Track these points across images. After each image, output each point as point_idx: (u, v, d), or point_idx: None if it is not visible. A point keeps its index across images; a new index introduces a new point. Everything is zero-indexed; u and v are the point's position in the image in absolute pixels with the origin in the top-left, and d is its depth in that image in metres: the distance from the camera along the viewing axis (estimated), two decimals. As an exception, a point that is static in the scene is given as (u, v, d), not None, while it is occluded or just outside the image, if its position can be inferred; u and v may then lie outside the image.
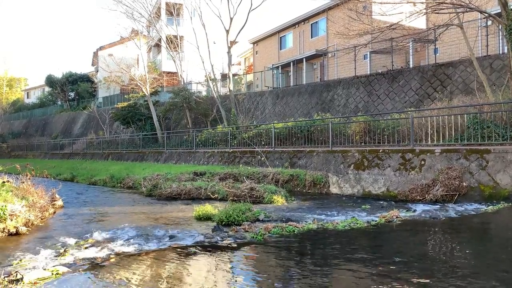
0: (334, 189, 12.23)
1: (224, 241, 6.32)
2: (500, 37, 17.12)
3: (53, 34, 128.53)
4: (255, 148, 16.78)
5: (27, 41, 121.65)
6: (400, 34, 16.26)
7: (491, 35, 17.27)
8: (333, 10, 26.54)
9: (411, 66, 20.89)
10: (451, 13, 13.68)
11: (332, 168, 12.68)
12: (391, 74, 19.65)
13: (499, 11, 12.95)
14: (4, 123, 59.08)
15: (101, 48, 47.29)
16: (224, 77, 35.87)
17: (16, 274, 4.70)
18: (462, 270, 4.66)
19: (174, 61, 30.56)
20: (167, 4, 35.65)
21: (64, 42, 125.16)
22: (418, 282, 4.28)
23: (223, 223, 7.61)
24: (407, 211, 8.56)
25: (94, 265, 5.25)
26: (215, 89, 27.37)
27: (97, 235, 6.85)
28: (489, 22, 16.86)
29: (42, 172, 12.48)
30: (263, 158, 15.48)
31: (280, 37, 33.30)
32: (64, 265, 5.20)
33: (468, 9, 12.52)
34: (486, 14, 12.81)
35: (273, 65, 31.55)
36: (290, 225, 7.16)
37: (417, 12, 12.83)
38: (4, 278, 4.61)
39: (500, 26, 13.10)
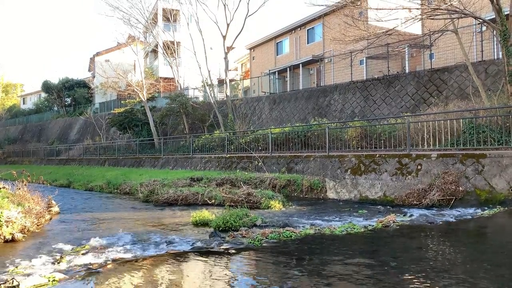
0: (331, 194, 12.24)
1: (221, 247, 6.30)
2: (495, 43, 17.29)
3: (50, 39, 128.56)
4: (252, 153, 16.78)
5: (23, 47, 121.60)
6: (396, 40, 16.41)
7: (485, 40, 17.43)
8: (329, 16, 26.71)
9: (407, 71, 21.02)
10: (446, 19, 13.80)
11: (329, 173, 12.70)
12: (387, 79, 19.76)
13: (494, 17, 13.09)
14: (-1, 129, 58.88)
15: (97, 53, 47.27)
16: (221, 82, 35.93)
17: (13, 281, 4.67)
18: (459, 274, 4.67)
19: (171, 67, 30.60)
20: (164, 10, 35.76)
21: (60, 48, 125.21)
22: (415, 286, 4.29)
23: (220, 228, 7.60)
24: (404, 215, 8.58)
25: (91, 272, 5.23)
26: (212, 95, 27.41)
27: (94, 241, 6.81)
28: (484, 28, 17.03)
29: (38, 178, 12.41)
30: (260, 164, 15.48)
31: (277, 43, 33.44)
32: (61, 271, 5.17)
33: (462, 15, 12.64)
34: (481, 20, 12.95)
35: (269, 70, 31.64)
36: (287, 230, 7.16)
37: (413, 18, 12.93)
38: (0, 285, 4.58)
39: (494, 31, 13.22)
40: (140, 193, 13.65)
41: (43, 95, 57.31)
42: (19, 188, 9.33)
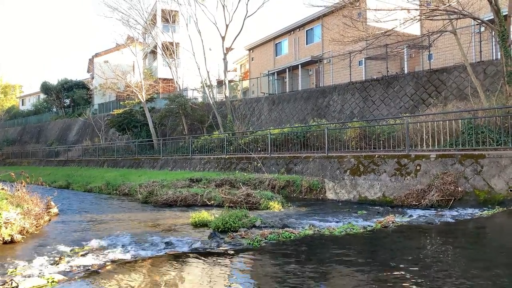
0: (330, 195, 12.25)
1: (220, 248, 6.30)
2: (493, 43, 17.30)
3: (49, 40, 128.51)
4: (251, 154, 16.78)
5: (22, 47, 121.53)
6: (394, 41, 16.41)
7: (484, 41, 17.45)
8: (328, 17, 26.73)
9: (405, 72, 21.04)
10: (444, 19, 13.82)
11: (328, 174, 12.70)
12: (386, 80, 19.77)
13: (492, 17, 13.11)
14: (-2, 130, 58.79)
15: (96, 54, 47.27)
16: (220, 83, 35.92)
17: (12, 282, 4.66)
18: (457, 275, 4.67)
19: (170, 68, 30.62)
20: (163, 11, 35.76)
21: (59, 49, 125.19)
22: (414, 287, 4.29)
23: (220, 229, 7.59)
24: (403, 216, 8.58)
25: (90, 273, 5.22)
26: (211, 96, 27.41)
27: (93, 243, 6.81)
28: (482, 29, 17.05)
29: (37, 179, 12.40)
30: (259, 164, 15.48)
31: (276, 44, 33.46)
32: (60, 272, 5.17)
33: (461, 16, 12.67)
34: (479, 21, 12.97)
35: (269, 71, 31.66)
36: (286, 231, 7.16)
37: (411, 18, 12.96)
38: (-1, 286, 4.58)
39: (493, 32, 13.25)
40: (139, 194, 13.64)
41: (42, 96, 57.25)
42: (18, 190, 9.31)
